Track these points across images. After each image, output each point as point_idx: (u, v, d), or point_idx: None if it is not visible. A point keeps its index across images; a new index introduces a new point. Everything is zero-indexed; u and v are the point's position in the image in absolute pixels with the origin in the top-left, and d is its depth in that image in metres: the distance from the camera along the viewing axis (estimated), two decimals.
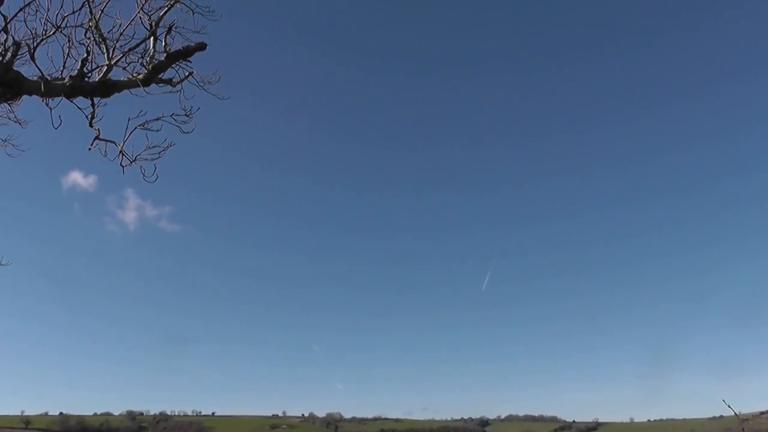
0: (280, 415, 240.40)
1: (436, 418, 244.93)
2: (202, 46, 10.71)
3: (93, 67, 10.28)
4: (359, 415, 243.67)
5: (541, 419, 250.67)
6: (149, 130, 10.88)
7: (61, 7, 9.80)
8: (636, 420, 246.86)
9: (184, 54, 10.72)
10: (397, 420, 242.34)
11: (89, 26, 10.08)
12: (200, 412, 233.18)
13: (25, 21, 9.71)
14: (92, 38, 10.13)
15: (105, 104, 10.76)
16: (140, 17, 10.42)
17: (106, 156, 10.81)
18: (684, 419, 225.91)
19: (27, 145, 12.12)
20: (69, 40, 10.14)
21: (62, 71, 10.26)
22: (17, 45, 9.51)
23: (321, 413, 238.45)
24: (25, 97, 10.07)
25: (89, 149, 10.84)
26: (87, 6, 9.89)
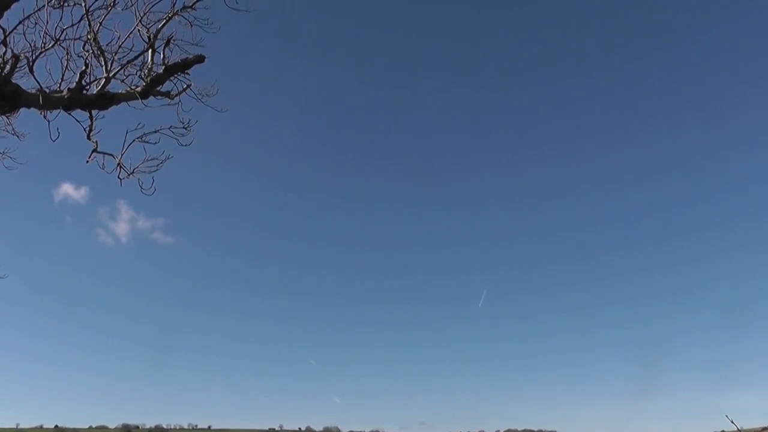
0: (277, 428, 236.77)
1: None
2: (200, 59, 10.71)
3: (91, 80, 10.29)
4: (357, 428, 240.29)
5: None
6: (147, 142, 10.87)
7: (60, 19, 9.85)
8: None
9: (183, 66, 10.73)
10: None
11: (88, 39, 10.11)
12: (196, 426, 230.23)
13: (24, 34, 9.76)
14: (91, 51, 10.16)
15: (103, 117, 10.76)
16: (139, 30, 10.46)
17: (104, 169, 10.79)
18: None
19: (22, 157, 12.15)
20: (67, 53, 10.17)
21: (60, 84, 10.27)
22: (16, 58, 9.52)
23: (318, 427, 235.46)
24: (22, 109, 10.07)
25: (87, 162, 10.82)
26: (86, 19, 9.93)
